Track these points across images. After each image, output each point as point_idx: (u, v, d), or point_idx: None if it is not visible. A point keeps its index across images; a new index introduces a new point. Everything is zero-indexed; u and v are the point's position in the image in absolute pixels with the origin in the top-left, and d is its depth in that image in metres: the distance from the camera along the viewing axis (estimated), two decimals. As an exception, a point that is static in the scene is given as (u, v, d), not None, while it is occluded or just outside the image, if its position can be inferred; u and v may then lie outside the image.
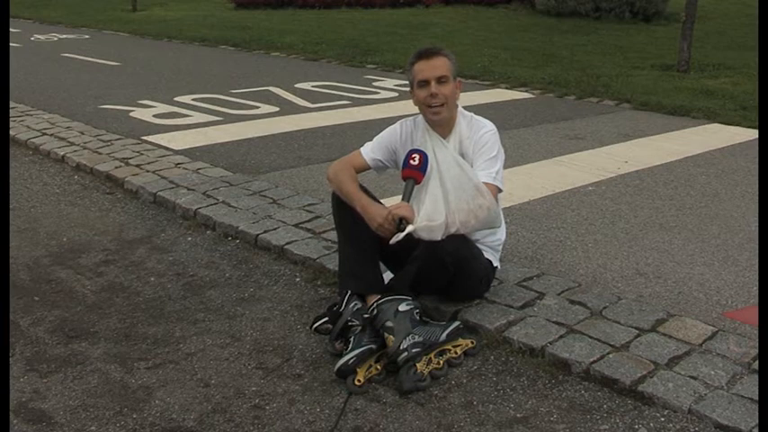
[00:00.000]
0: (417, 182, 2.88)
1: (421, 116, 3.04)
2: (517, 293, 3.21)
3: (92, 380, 2.69)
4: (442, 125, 2.99)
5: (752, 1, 13.45)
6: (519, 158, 5.28)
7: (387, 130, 3.17)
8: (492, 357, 2.84)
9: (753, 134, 6.13)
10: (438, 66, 2.91)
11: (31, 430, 2.42)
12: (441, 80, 2.90)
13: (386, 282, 2.99)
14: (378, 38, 12.08)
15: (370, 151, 3.16)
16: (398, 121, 3.15)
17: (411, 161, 2.88)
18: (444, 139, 2.99)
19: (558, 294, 3.20)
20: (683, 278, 3.47)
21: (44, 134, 5.85)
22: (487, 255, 3.08)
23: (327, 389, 2.65)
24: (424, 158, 2.88)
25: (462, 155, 2.96)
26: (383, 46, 11.15)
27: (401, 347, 2.66)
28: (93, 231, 4.08)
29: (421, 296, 2.97)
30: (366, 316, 2.78)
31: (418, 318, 2.82)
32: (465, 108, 3.10)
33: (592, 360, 2.72)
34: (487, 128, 3.03)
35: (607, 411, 2.52)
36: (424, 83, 2.91)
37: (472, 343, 2.87)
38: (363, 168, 3.16)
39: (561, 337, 2.87)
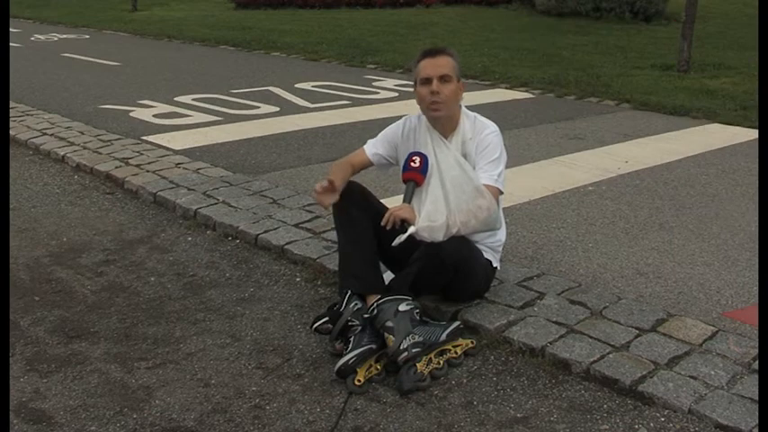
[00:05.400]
0: (418, 184, 2.88)
1: (423, 114, 3.04)
2: (517, 293, 3.21)
3: (92, 380, 2.69)
4: (444, 124, 2.99)
5: (752, 1, 13.45)
6: (519, 158, 5.28)
7: (391, 125, 3.17)
8: (492, 357, 2.84)
9: (753, 134, 6.13)
10: (442, 64, 2.91)
11: (31, 430, 2.42)
12: (443, 79, 2.90)
13: (386, 282, 2.99)
14: (378, 38, 12.08)
15: (372, 146, 3.17)
16: (403, 117, 3.16)
17: (411, 164, 2.89)
18: (446, 138, 2.99)
19: (559, 294, 3.20)
20: (683, 278, 3.47)
21: (44, 134, 5.85)
22: (487, 255, 3.08)
23: (327, 389, 2.65)
24: (424, 161, 2.89)
25: (465, 155, 2.96)
26: (383, 46, 11.15)
27: (401, 347, 2.66)
28: (93, 231, 4.08)
29: (421, 296, 2.96)
30: (366, 316, 2.78)
31: (418, 318, 2.82)
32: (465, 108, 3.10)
33: (592, 360, 2.72)
34: (490, 129, 3.03)
35: (607, 411, 2.52)
36: (427, 80, 2.91)
37: (472, 343, 2.87)
38: (365, 164, 3.17)
39: (561, 337, 2.88)
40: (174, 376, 2.73)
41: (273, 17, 15.23)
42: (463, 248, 2.89)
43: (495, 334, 2.93)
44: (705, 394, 2.53)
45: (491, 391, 2.65)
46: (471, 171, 2.91)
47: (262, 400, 2.59)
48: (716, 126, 6.52)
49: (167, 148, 5.49)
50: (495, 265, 3.14)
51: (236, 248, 3.86)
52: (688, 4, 8.90)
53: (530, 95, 7.89)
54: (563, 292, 3.23)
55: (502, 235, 3.17)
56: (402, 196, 2.91)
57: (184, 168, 4.97)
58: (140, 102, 7.19)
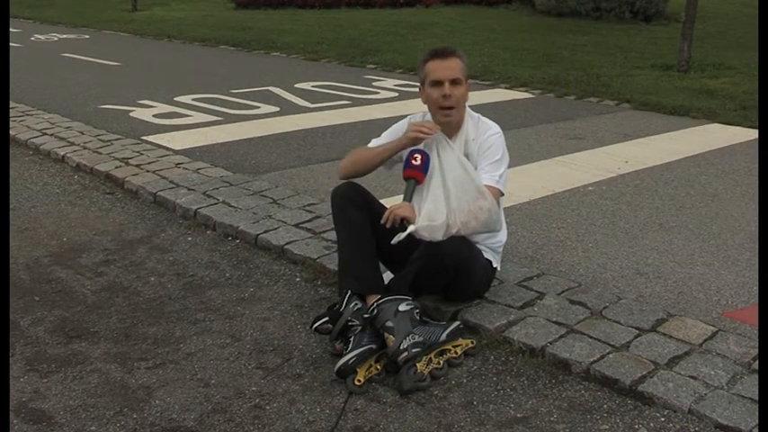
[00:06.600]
0: (419, 182, 2.88)
1: (428, 114, 3.04)
2: (517, 293, 3.21)
3: (92, 380, 2.69)
4: (450, 125, 2.99)
5: (752, 1, 13.44)
6: (519, 158, 5.28)
7: (394, 125, 3.17)
8: (492, 357, 2.84)
9: (753, 134, 6.13)
10: (452, 67, 2.91)
11: (31, 430, 2.42)
12: (454, 82, 2.90)
13: (386, 282, 2.99)
14: (378, 38, 12.08)
15: (374, 145, 3.16)
16: (407, 117, 3.15)
17: (413, 161, 2.89)
18: (450, 139, 2.98)
19: (558, 294, 3.20)
20: (683, 278, 3.47)
21: (44, 134, 5.85)
22: (487, 255, 3.08)
23: (327, 389, 2.65)
24: (425, 159, 2.88)
25: (467, 155, 2.96)
26: (383, 46, 11.15)
27: (401, 347, 2.66)
28: (93, 231, 4.08)
29: (421, 296, 2.96)
30: (366, 316, 2.77)
31: (418, 318, 2.82)
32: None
33: (592, 360, 2.72)
34: (494, 130, 3.03)
35: (607, 411, 2.52)
36: (438, 83, 2.91)
37: (472, 343, 2.87)
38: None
39: (561, 337, 2.88)
40: (174, 376, 2.73)
41: (273, 17, 15.23)
42: (463, 248, 2.89)
43: (495, 334, 2.93)
44: (705, 394, 2.53)
45: (491, 391, 2.65)
46: (473, 172, 2.91)
47: (262, 400, 2.59)
48: (716, 126, 6.52)
49: (167, 148, 5.49)
50: (495, 266, 3.14)
51: (236, 248, 3.86)
52: (688, 4, 8.90)
53: (530, 95, 7.89)
54: (563, 292, 3.23)
55: (502, 236, 3.16)
56: (402, 195, 2.91)
57: (184, 168, 4.97)
58: (140, 102, 7.19)
